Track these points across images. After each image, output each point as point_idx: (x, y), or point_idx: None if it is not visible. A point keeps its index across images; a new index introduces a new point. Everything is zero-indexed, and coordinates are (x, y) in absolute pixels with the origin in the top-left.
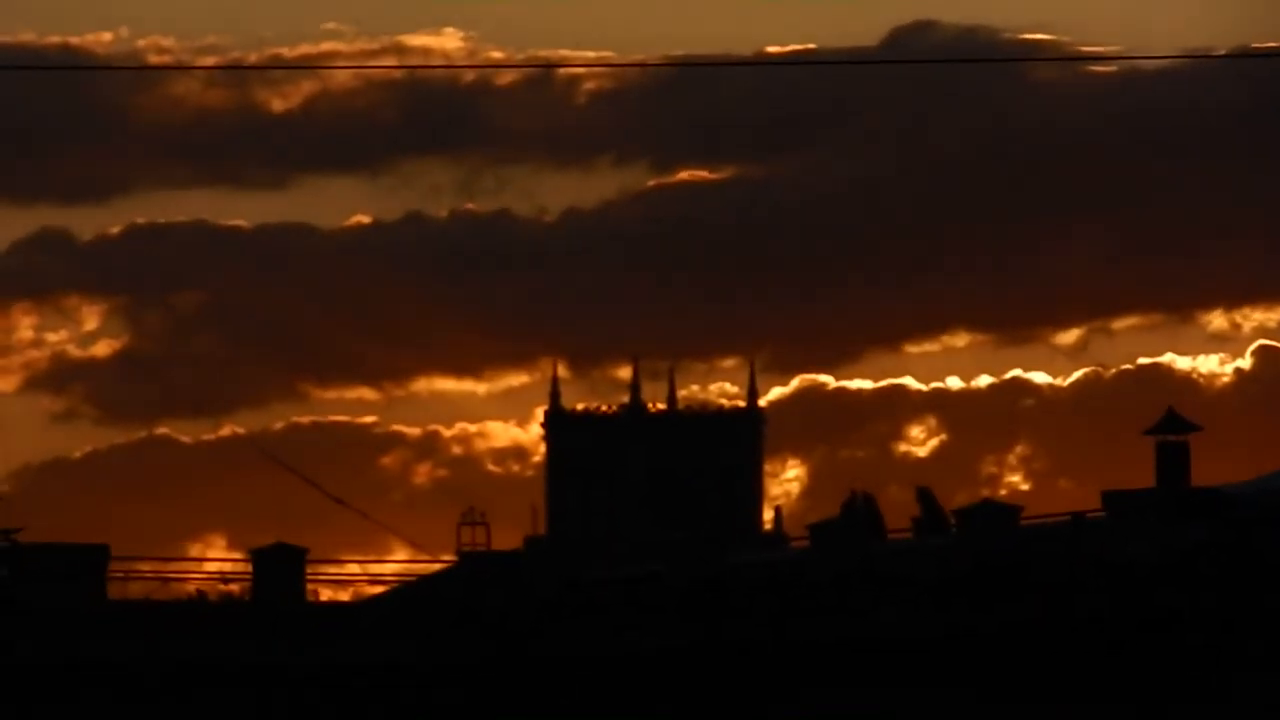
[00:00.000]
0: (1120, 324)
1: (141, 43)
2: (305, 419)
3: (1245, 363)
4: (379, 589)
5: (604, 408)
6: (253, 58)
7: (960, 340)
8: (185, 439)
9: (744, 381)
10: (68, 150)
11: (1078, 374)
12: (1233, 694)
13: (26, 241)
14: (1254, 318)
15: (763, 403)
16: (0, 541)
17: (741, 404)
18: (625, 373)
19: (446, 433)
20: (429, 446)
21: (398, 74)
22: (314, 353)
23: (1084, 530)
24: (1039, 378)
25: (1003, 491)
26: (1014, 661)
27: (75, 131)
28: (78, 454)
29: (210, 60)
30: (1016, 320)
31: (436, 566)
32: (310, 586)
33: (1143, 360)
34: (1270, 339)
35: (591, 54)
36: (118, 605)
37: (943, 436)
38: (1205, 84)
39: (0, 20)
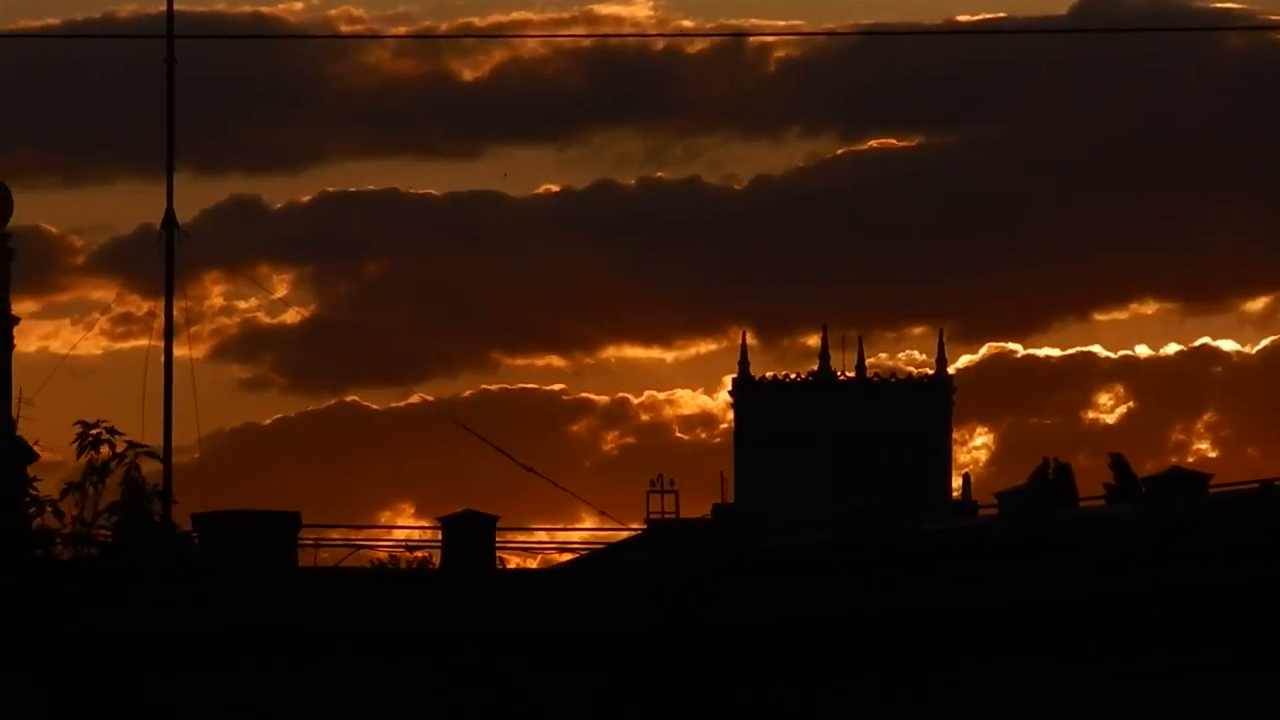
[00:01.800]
0: None
1: (332, 12)
2: (494, 386)
3: None
4: (568, 556)
5: (792, 376)
6: (443, 26)
7: (1149, 308)
8: (375, 406)
9: (932, 349)
10: (258, 119)
11: (1266, 341)
12: None
13: (217, 210)
14: None
15: (951, 370)
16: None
17: (930, 371)
18: (814, 341)
19: (635, 400)
20: (617, 414)
21: (587, 42)
22: (503, 320)
23: (1273, 498)
24: (1227, 345)
25: (1191, 459)
26: (1199, 628)
27: (266, 100)
28: (267, 421)
29: (401, 29)
30: (1204, 288)
31: (625, 534)
32: (499, 554)
33: None
34: None
35: (781, 22)
36: (308, 572)
37: (1131, 404)
38: None
39: None
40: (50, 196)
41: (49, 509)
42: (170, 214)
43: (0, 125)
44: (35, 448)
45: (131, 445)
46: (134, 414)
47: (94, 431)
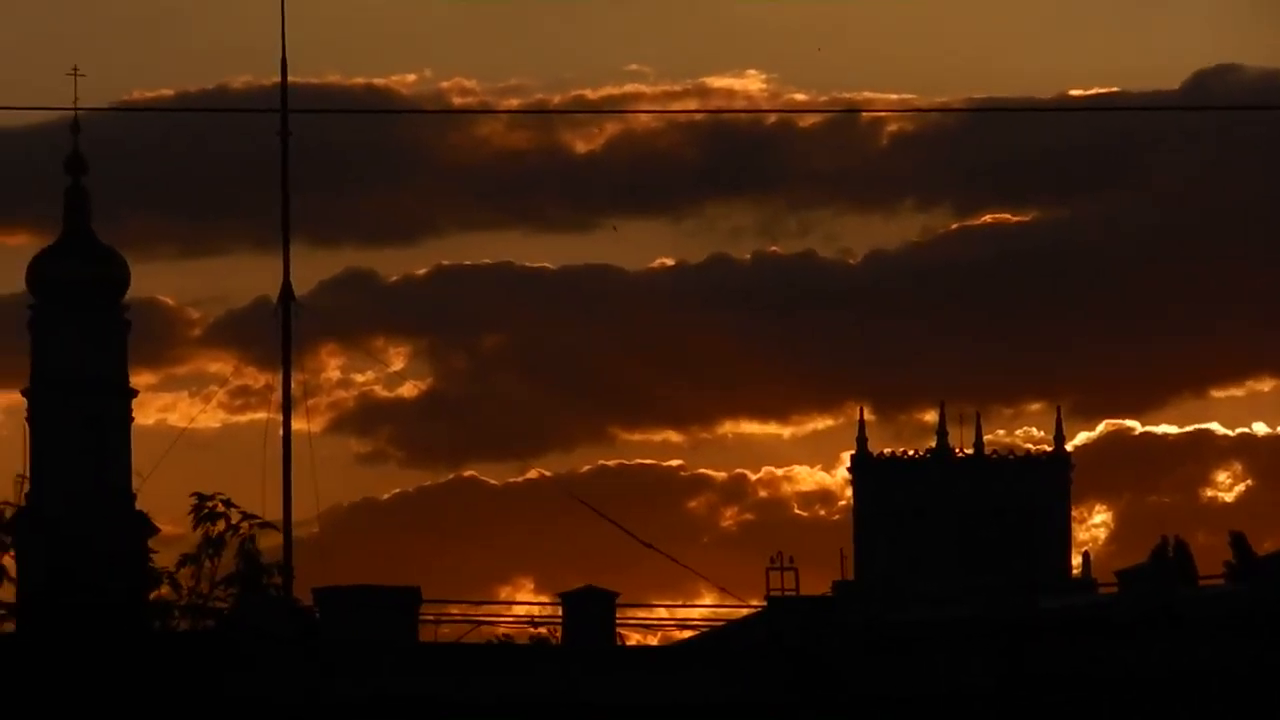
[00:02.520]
0: None
1: (445, 84)
2: (612, 462)
3: None
4: (688, 633)
5: (910, 452)
6: (556, 99)
7: (1266, 385)
8: (493, 481)
9: (1050, 426)
10: (373, 191)
11: None
12: None
13: (333, 282)
14: None
15: (1069, 447)
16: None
17: (1048, 448)
18: (931, 417)
19: (753, 476)
20: (736, 490)
21: (700, 116)
22: (620, 395)
23: None
24: None
25: None
26: None
27: (380, 173)
28: (385, 495)
29: (514, 102)
30: None
31: (745, 611)
32: (619, 630)
33: None
34: None
35: (894, 96)
36: (428, 648)
37: (1249, 482)
38: None
39: (306, 62)
40: (167, 268)
41: (165, 581)
42: (287, 286)
43: (117, 197)
44: (154, 521)
45: (246, 517)
46: (252, 487)
47: (209, 504)
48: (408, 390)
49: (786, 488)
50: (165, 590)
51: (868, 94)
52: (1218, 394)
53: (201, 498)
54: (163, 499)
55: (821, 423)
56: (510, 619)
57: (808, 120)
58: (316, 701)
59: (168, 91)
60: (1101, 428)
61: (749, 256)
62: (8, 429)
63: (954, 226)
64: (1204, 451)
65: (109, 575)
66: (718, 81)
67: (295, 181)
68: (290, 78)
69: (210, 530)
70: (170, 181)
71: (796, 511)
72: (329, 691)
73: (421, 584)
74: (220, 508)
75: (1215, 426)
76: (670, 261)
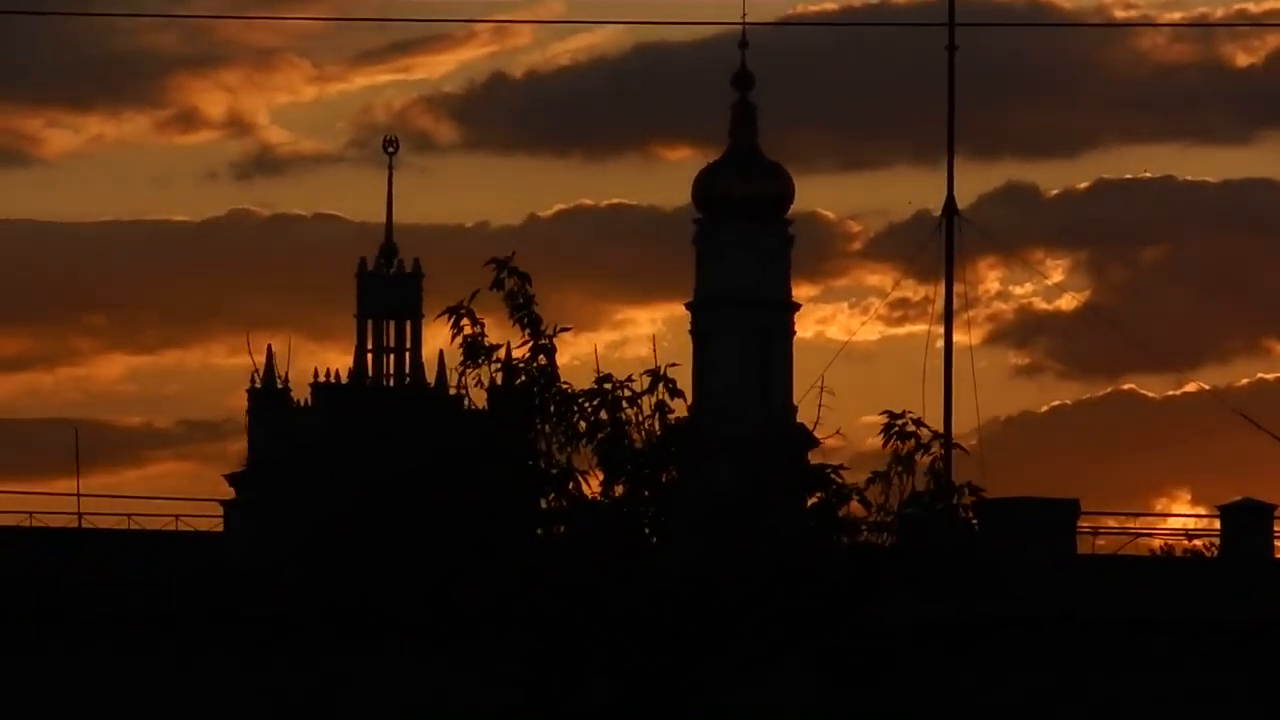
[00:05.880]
0: None
1: None
2: (1270, 375)
3: None
4: None
5: None
6: (1218, 13)
7: None
8: (1150, 394)
9: None
10: (1035, 105)
11: None
12: None
13: (993, 195)
14: None
15: None
16: (969, 496)
17: None
18: None
19: None
20: None
21: None
22: (1278, 309)
23: None
24: None
25: None
26: None
27: (1042, 87)
28: (1044, 408)
29: (1175, 15)
30: None
31: None
32: (1278, 543)
33: None
34: None
35: None
36: (1085, 560)
37: None
38: None
39: None
40: (828, 182)
41: (855, 497)
42: (950, 200)
43: (782, 112)
44: (817, 433)
45: (936, 436)
46: (911, 399)
47: (899, 422)
48: (1066, 303)
49: None
50: (854, 507)
51: None
52: None
53: (893, 416)
54: (824, 412)
55: None
56: (1166, 531)
57: None
58: (973, 613)
59: (832, 5)
60: None
61: None
62: (670, 340)
63: None
64: None
65: (777, 491)
66: None
67: (958, 95)
68: None
69: (900, 449)
70: (833, 95)
71: None
72: (987, 604)
73: (1080, 496)
74: (910, 426)
75: None
76: None
